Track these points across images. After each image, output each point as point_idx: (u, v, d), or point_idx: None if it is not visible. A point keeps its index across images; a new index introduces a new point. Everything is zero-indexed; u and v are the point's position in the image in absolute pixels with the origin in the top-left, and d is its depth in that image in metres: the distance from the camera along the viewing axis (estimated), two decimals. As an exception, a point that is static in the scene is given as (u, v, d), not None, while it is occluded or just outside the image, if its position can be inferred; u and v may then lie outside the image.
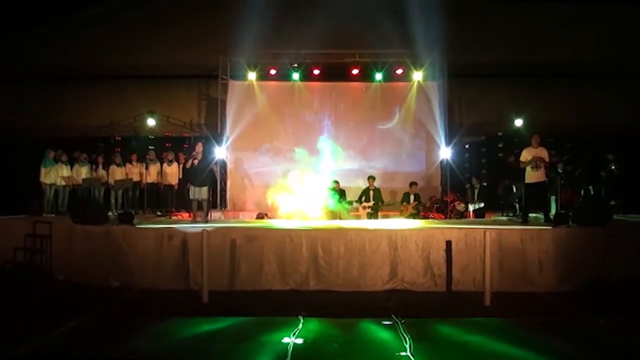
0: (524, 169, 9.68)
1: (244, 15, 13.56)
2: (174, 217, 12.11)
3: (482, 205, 12.86)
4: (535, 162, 9.42)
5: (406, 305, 7.06)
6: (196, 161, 10.21)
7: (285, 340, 5.51)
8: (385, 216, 12.63)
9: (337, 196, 12.19)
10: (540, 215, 10.13)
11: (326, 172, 13.29)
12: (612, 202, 11.49)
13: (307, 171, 12.47)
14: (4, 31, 14.11)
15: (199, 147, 10.49)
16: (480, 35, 14.47)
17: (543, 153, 9.50)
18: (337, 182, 12.75)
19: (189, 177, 10.47)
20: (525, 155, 9.61)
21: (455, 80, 14.72)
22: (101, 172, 12.64)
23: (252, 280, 8.04)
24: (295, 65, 14.87)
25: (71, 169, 12.24)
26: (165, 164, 13.03)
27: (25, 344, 5.40)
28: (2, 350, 5.30)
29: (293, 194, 11.86)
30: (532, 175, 9.57)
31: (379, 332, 5.95)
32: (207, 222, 10.14)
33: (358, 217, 12.41)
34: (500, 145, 15.21)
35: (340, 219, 11.98)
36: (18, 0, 13.46)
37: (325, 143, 13.58)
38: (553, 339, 5.68)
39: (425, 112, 14.84)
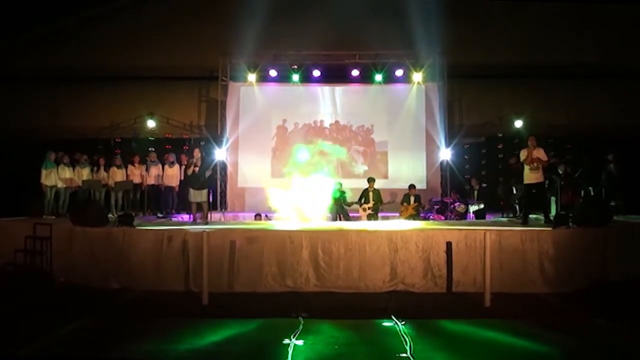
0: (523, 170, 9.72)
1: (244, 16, 13.59)
2: (174, 219, 12.11)
3: (482, 206, 12.86)
4: (533, 163, 9.43)
5: (406, 306, 7.05)
6: (197, 168, 10.26)
7: (286, 341, 5.51)
8: (385, 217, 12.61)
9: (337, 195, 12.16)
10: (541, 217, 10.13)
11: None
12: (612, 203, 11.47)
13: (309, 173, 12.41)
14: (4, 31, 14.12)
15: (197, 153, 10.57)
16: (481, 36, 14.50)
17: (540, 153, 9.52)
18: (340, 184, 12.71)
19: (189, 181, 10.51)
20: (524, 154, 9.64)
21: (455, 81, 14.74)
22: (102, 173, 12.63)
23: (252, 282, 8.03)
24: (295, 66, 14.90)
25: (72, 170, 12.23)
26: (166, 166, 13.02)
27: (26, 345, 5.41)
28: (3, 351, 5.30)
29: (294, 194, 11.75)
30: (530, 176, 9.59)
31: (380, 333, 5.95)
32: (207, 223, 10.14)
33: (358, 218, 12.39)
34: (501, 146, 15.23)
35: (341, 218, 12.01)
36: (18, 0, 13.48)
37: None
38: (553, 340, 5.68)
39: (425, 113, 14.89)
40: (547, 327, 6.10)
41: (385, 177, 14.81)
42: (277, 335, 5.72)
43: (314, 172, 12.33)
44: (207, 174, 10.64)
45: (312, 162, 13.09)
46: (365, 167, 14.97)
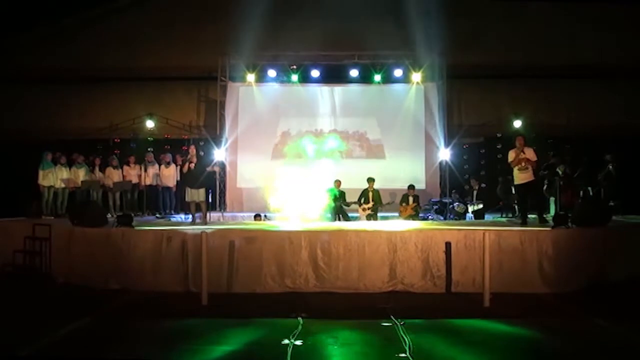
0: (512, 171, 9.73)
1: (243, 17, 13.59)
2: (172, 219, 12.11)
3: (481, 206, 12.86)
4: (521, 163, 9.42)
5: (406, 307, 7.04)
6: (192, 165, 10.25)
7: (285, 341, 5.50)
8: (385, 218, 12.61)
9: (335, 196, 12.15)
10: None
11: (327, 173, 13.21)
12: (611, 203, 11.48)
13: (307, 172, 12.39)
14: (4, 31, 14.11)
15: (193, 150, 10.62)
16: (480, 36, 14.50)
17: (529, 153, 9.48)
18: (339, 181, 12.70)
19: (186, 180, 10.51)
20: (512, 155, 9.61)
21: (455, 82, 14.76)
22: (98, 174, 12.62)
23: (251, 282, 8.02)
24: (294, 66, 14.89)
25: (69, 170, 12.22)
26: (162, 166, 13.02)
27: (26, 346, 5.40)
28: (3, 351, 5.29)
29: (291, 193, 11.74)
30: (519, 177, 9.56)
31: (379, 333, 5.94)
32: (206, 224, 10.13)
33: (357, 218, 12.39)
34: (500, 146, 15.18)
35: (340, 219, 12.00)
36: (18, 0, 13.48)
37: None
38: (553, 340, 5.68)
39: (424, 114, 14.90)
40: (546, 327, 6.09)
41: (386, 178, 14.72)
42: (276, 336, 5.71)
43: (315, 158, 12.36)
44: (216, 170, 10.56)
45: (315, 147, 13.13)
46: (366, 168, 14.84)
